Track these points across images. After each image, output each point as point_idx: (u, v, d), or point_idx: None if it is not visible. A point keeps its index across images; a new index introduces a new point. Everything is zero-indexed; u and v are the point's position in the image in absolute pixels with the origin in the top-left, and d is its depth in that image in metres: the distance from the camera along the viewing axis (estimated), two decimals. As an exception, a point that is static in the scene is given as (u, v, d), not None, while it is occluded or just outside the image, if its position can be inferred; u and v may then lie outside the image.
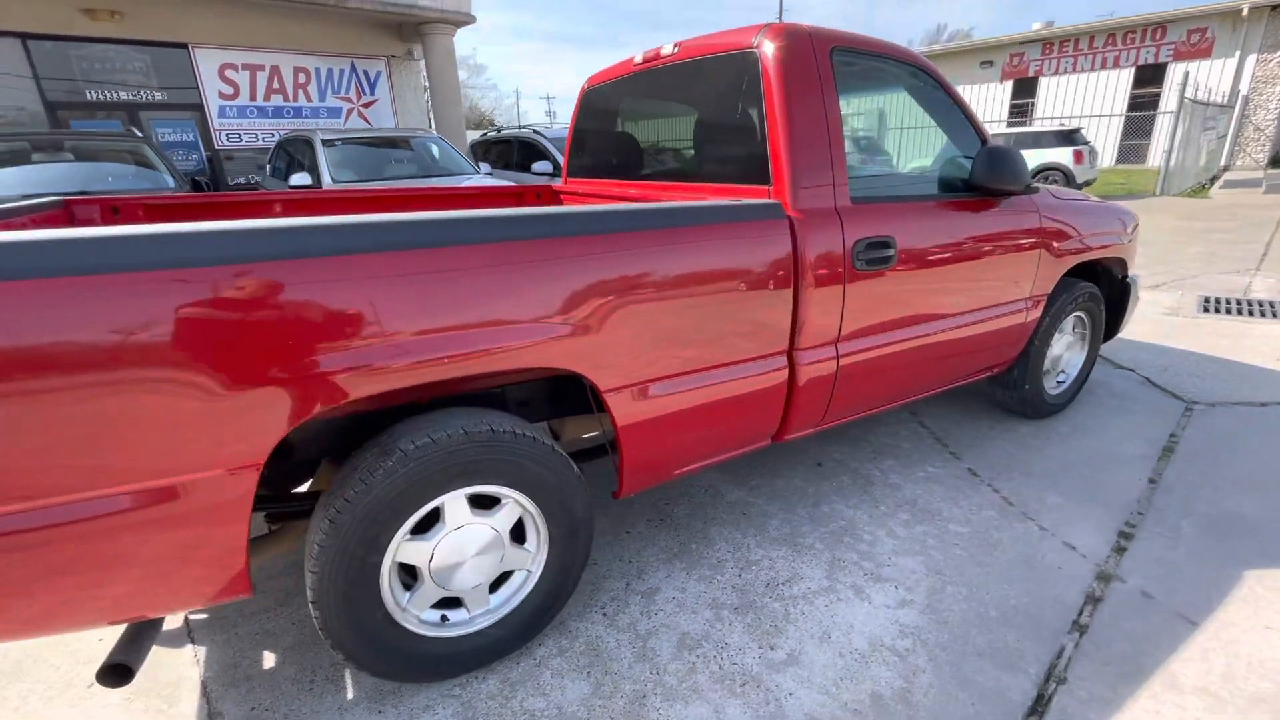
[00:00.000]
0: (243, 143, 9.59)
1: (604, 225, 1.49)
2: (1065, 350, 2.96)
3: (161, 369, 1.07)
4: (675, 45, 2.25)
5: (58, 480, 1.06)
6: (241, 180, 9.67)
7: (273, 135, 9.45)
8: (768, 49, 1.85)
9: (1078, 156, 11.28)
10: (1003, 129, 15.23)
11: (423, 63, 10.39)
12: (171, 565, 1.19)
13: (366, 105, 10.95)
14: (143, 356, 1.06)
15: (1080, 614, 1.78)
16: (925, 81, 2.24)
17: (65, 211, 2.22)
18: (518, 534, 1.64)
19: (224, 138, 9.62)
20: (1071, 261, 2.64)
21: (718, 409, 1.80)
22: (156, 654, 1.72)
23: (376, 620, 1.44)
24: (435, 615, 1.56)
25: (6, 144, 4.59)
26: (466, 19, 9.81)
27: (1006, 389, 2.87)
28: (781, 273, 1.77)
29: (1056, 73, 19.53)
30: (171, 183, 4.88)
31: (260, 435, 1.18)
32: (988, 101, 21.04)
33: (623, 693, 1.56)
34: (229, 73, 9.52)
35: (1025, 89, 20.40)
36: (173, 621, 1.84)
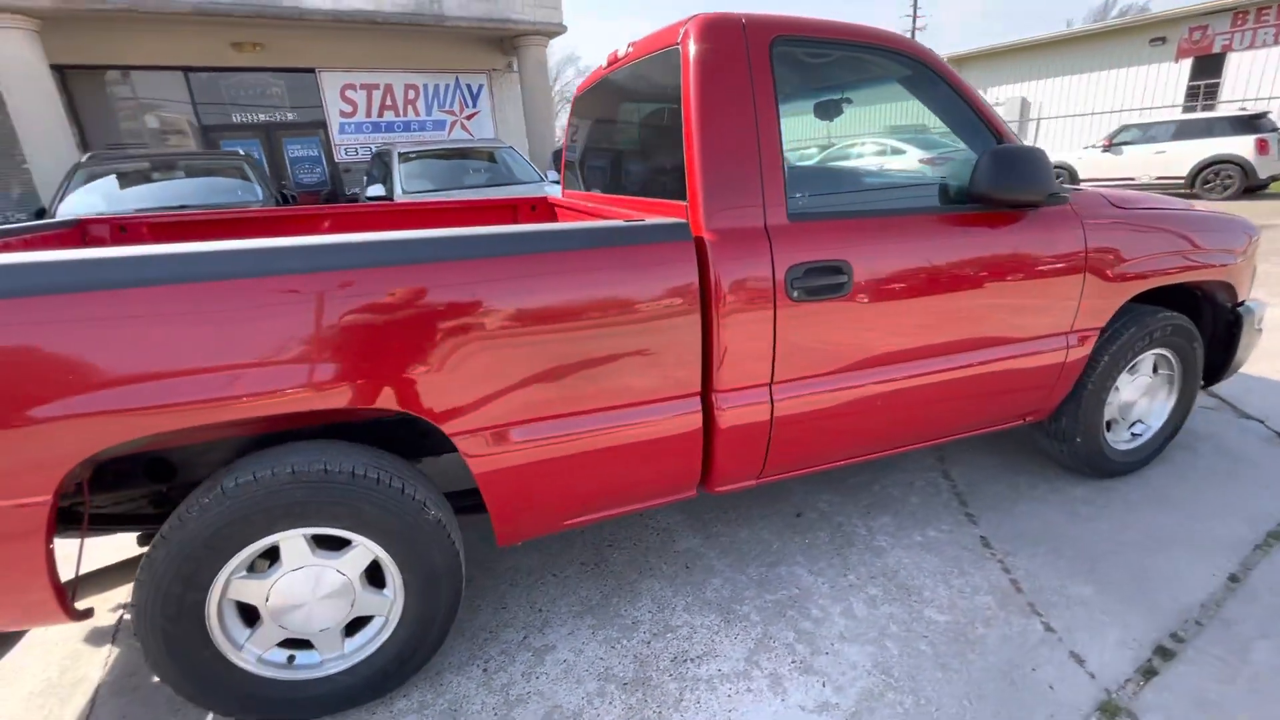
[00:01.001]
0: (358, 156, 10.50)
1: (412, 254, 1.33)
2: (1141, 396, 2.37)
3: None
4: (630, 44, 2.05)
5: None
6: (356, 191, 10.58)
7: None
8: (689, 45, 1.60)
9: (1262, 146, 9.34)
10: (1174, 114, 13.05)
11: (509, 76, 10.79)
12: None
13: (469, 117, 11.57)
14: None
15: (1055, 760, 1.36)
16: (919, 71, 1.86)
17: (78, 229, 2.45)
18: (377, 577, 1.54)
19: (343, 152, 10.59)
20: (1138, 287, 2.09)
21: (610, 456, 1.59)
22: (79, 651, 1.82)
23: (204, 658, 1.39)
24: (281, 656, 1.50)
25: (133, 164, 5.32)
26: (558, 29, 10.04)
27: (1054, 440, 2.35)
28: (684, 304, 1.52)
29: (1251, 46, 16.39)
30: (261, 195, 5.40)
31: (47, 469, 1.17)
32: (1157, 85, 18.14)
33: (457, 769, 1.41)
34: (349, 92, 10.47)
35: (1207, 68, 17.33)
36: (108, 620, 1.94)
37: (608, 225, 1.49)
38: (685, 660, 1.68)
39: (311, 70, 10.09)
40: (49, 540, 1.23)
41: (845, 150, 6.80)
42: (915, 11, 34.91)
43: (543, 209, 3.05)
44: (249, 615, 1.47)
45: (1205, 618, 1.72)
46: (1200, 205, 2.50)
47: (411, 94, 11.00)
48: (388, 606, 1.54)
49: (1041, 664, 1.60)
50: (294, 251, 1.25)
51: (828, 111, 2.27)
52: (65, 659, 1.78)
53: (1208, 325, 2.50)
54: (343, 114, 10.49)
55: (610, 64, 2.20)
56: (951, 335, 1.85)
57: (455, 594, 1.57)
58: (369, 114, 10.68)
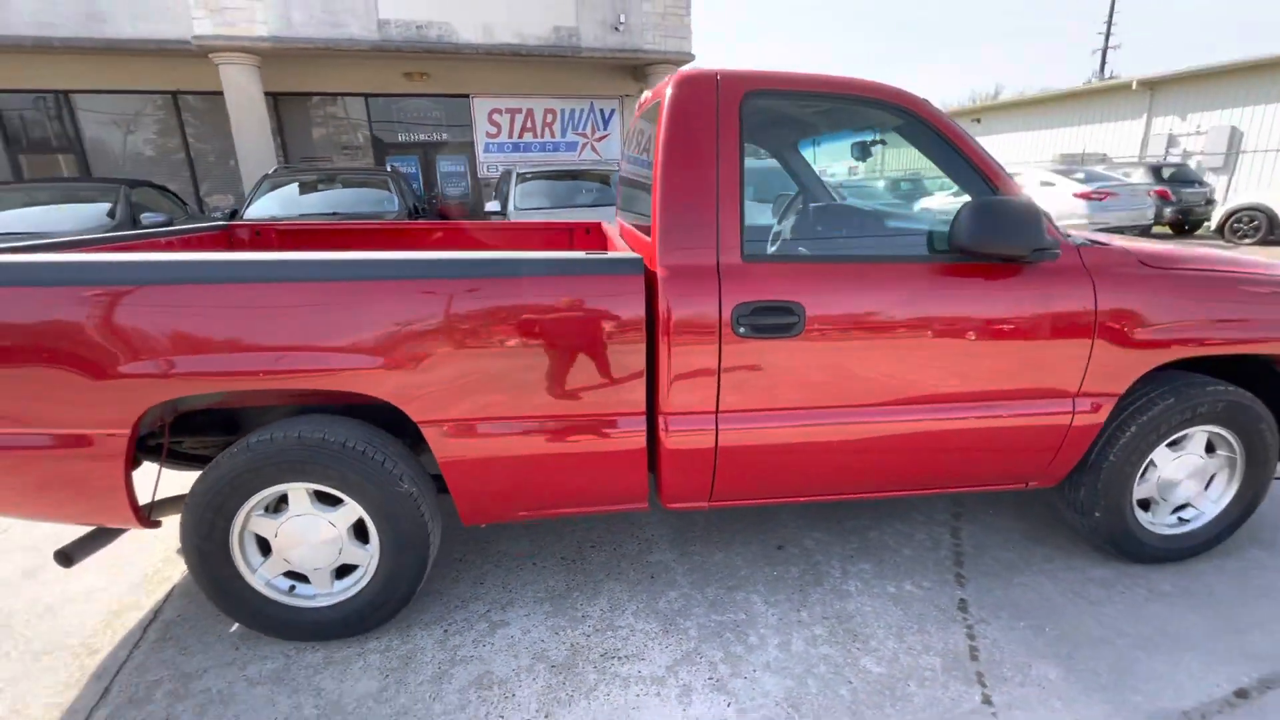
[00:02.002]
0: (495, 173, 11.61)
1: (423, 270, 1.63)
2: (1189, 477, 2.11)
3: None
4: (647, 91, 2.25)
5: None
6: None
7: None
8: (666, 97, 1.78)
9: None
10: None
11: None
12: (74, 487, 1.68)
13: (599, 139, 12.33)
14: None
15: (927, 823, 1.34)
16: (907, 120, 1.87)
17: (226, 233, 3.12)
18: (363, 533, 1.86)
19: (485, 169, 11.76)
20: (1164, 356, 1.90)
21: (557, 462, 1.78)
22: (170, 558, 2.34)
23: (226, 574, 1.79)
24: (285, 584, 1.87)
25: (304, 177, 6.43)
26: (687, 58, 10.43)
27: (1074, 512, 2.17)
28: (632, 331, 1.69)
29: None
30: (397, 205, 6.27)
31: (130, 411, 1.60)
32: None
33: (393, 704, 1.67)
34: (495, 115, 11.63)
35: None
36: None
37: (570, 256, 1.70)
38: (613, 657, 1.82)
39: (466, 96, 11.36)
40: (129, 463, 1.67)
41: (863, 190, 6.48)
42: (1109, 30, 31.35)
43: (596, 234, 3.32)
44: (264, 547, 1.85)
45: (1168, 713, 1.55)
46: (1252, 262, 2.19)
47: (549, 117, 11.96)
48: (368, 559, 1.85)
49: (962, 733, 1.55)
50: (310, 265, 1.61)
51: (864, 153, 2.33)
52: (160, 562, 2.31)
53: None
54: (488, 135, 11.67)
55: (639, 107, 2.42)
56: (919, 387, 1.83)
57: (421, 560, 1.85)
58: (510, 135, 11.78)
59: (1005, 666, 1.76)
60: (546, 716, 1.62)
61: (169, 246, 2.66)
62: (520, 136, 11.85)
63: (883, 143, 2.26)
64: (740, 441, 1.81)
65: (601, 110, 12.21)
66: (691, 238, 1.72)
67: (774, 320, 1.72)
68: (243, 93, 8.66)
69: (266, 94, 9.16)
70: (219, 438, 2.08)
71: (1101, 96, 19.45)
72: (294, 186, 6.47)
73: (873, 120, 1.98)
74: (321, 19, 8.58)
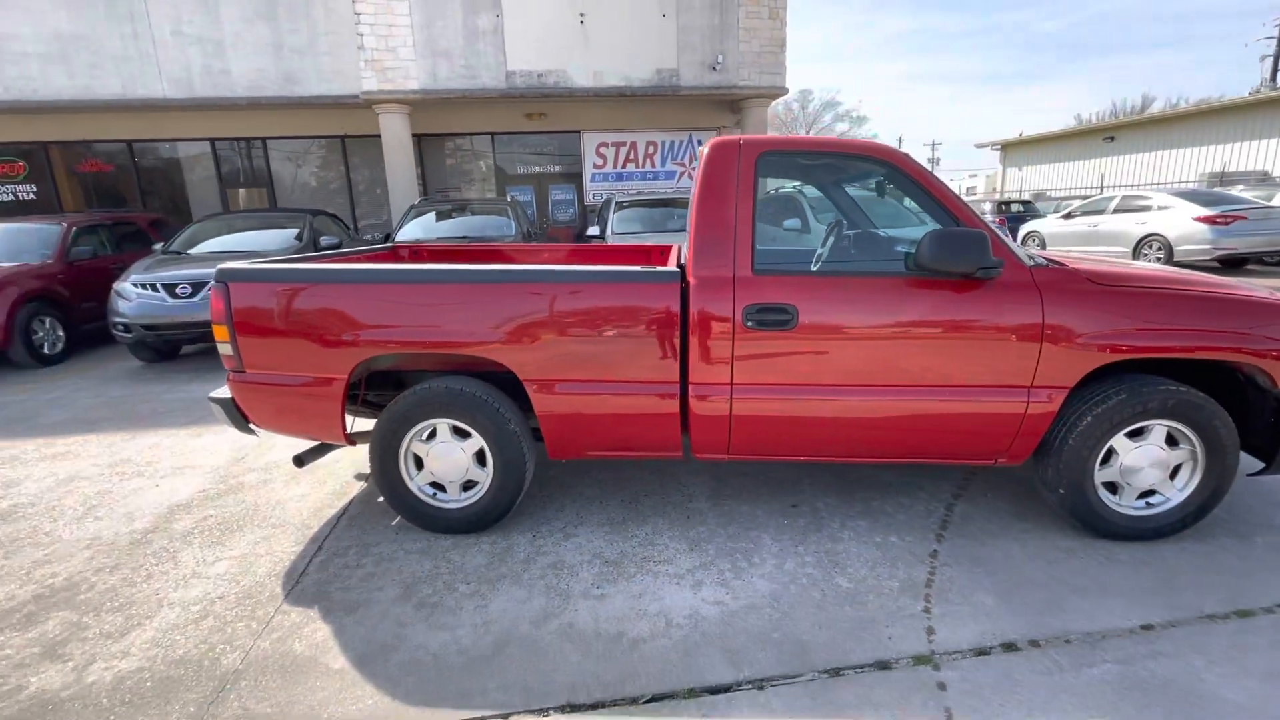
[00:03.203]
0: (599, 200, 12.74)
1: (528, 277, 2.43)
2: (1152, 466, 2.45)
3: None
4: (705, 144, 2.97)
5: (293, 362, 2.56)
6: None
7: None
8: (704, 155, 2.49)
9: None
10: None
11: (737, 131, 12.02)
12: (313, 415, 2.61)
13: (696, 169, 13.14)
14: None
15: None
16: (890, 171, 2.45)
17: (392, 252, 4.17)
18: (482, 459, 2.68)
19: (590, 197, 12.94)
20: (1105, 357, 2.31)
21: (615, 416, 2.51)
22: (363, 470, 3.30)
23: (396, 482, 2.66)
24: (431, 490, 2.72)
25: (440, 207, 7.73)
26: (781, 91, 11.03)
27: (1045, 489, 2.57)
28: (670, 322, 2.39)
29: None
30: (513, 230, 7.37)
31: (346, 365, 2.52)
32: None
33: (496, 571, 2.44)
34: (602, 149, 12.81)
35: None
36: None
37: (629, 269, 2.44)
38: (649, 560, 2.49)
39: (577, 132, 12.63)
40: (343, 402, 2.59)
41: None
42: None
43: (666, 254, 4.05)
44: (419, 464, 2.71)
45: (1080, 641, 1.97)
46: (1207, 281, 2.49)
47: (651, 149, 12.98)
48: (485, 477, 2.66)
49: (898, 625, 2.07)
50: (458, 273, 2.46)
51: (881, 190, 2.90)
52: (344, 483, 3.28)
53: (1260, 408, 2.45)
54: (595, 166, 12.86)
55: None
56: (891, 374, 2.37)
57: (519, 482, 2.62)
58: (614, 165, 12.90)
59: (952, 593, 2.24)
60: (597, 586, 2.33)
61: (358, 260, 3.70)
62: (623, 167, 12.94)
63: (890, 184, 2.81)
64: (748, 410, 2.44)
65: (699, 141, 13.05)
66: (715, 257, 2.40)
67: (774, 317, 2.36)
68: (395, 135, 10.34)
69: (413, 135, 10.84)
70: (393, 392, 3.01)
71: (1265, 109, 17.69)
72: (433, 214, 7.78)
73: (863, 169, 2.56)
74: (461, 73, 10.10)
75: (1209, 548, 2.48)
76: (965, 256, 2.23)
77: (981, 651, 1.94)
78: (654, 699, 1.79)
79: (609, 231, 7.51)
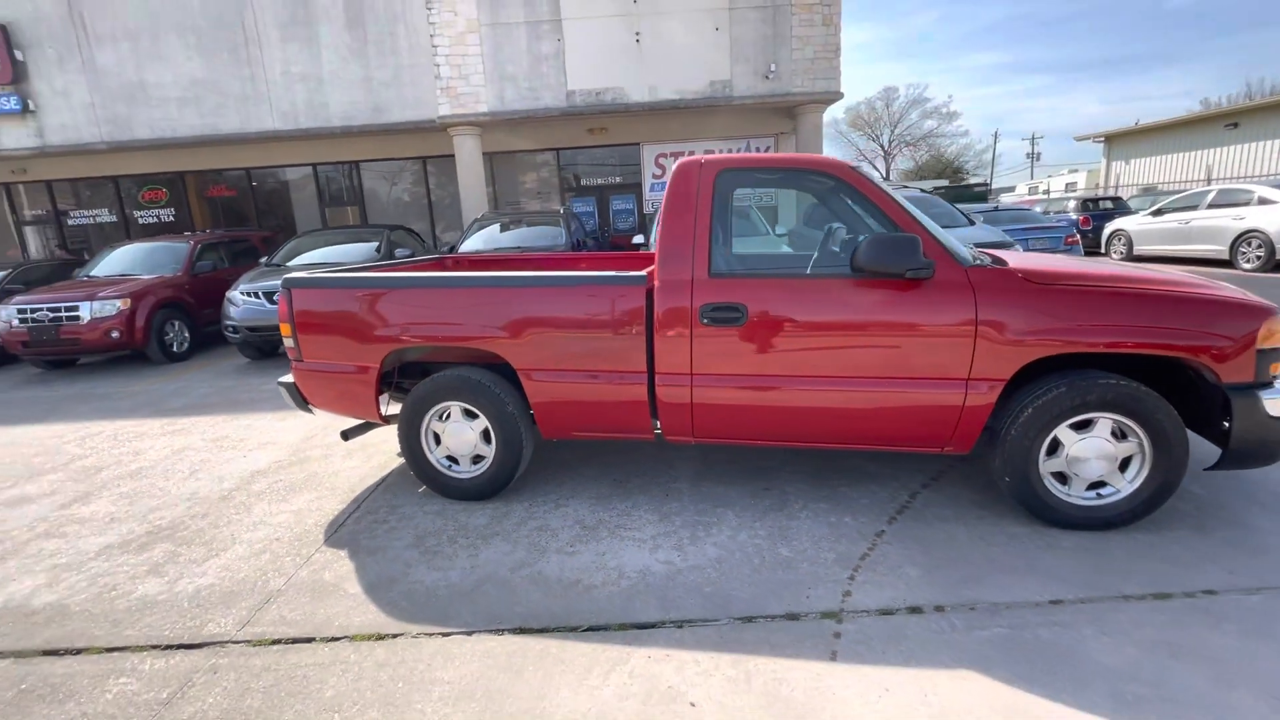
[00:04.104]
0: (655, 209, 13.17)
1: (520, 282, 2.88)
2: (1099, 458, 2.54)
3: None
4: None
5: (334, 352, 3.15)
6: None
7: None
8: (670, 175, 2.84)
9: None
10: None
11: (793, 137, 12.09)
12: (353, 396, 3.18)
13: (753, 174, 13.32)
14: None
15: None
16: (837, 183, 2.70)
17: (439, 261, 4.76)
18: (488, 437, 3.14)
19: (649, 206, 13.40)
20: (1039, 351, 2.45)
21: (596, 402, 2.90)
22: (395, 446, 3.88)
23: (418, 454, 3.18)
24: (446, 463, 3.22)
25: (499, 220, 8.43)
26: (835, 96, 11.02)
27: (996, 477, 2.71)
28: (639, 319, 2.76)
29: None
30: (564, 240, 7.93)
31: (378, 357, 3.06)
32: None
33: (493, 529, 2.89)
34: (660, 159, 13.24)
35: None
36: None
37: (604, 273, 2.83)
38: (621, 528, 2.86)
39: (636, 144, 13.14)
40: (378, 386, 3.14)
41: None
42: None
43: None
44: (437, 440, 3.22)
45: (983, 609, 2.15)
46: (1217, 285, 2.53)
47: (708, 157, 13.27)
48: (490, 452, 3.12)
49: (820, 588, 2.32)
50: (463, 279, 2.94)
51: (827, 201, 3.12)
52: (387, 458, 3.86)
53: (1211, 403, 2.49)
54: (654, 176, 13.31)
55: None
56: (834, 367, 2.62)
57: (517, 458, 3.06)
58: (672, 175, 13.29)
59: (881, 565, 2.45)
60: (571, 545, 2.72)
61: (410, 270, 4.31)
62: (681, 176, 13.30)
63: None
64: (706, 398, 2.76)
65: (757, 148, 13.21)
66: (677, 263, 2.75)
67: (726, 315, 2.67)
68: (467, 155, 11.25)
69: (484, 154, 11.74)
70: (420, 380, 3.55)
71: None
72: (494, 227, 8.49)
73: (814, 182, 2.82)
74: (525, 95, 10.86)
75: (1161, 539, 2.54)
76: (897, 259, 2.45)
77: (886, 612, 2.17)
78: (590, 629, 2.17)
79: (653, 240, 7.90)
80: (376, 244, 8.34)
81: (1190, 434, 2.55)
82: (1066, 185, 36.00)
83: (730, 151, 13.22)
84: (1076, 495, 2.61)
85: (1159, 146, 24.85)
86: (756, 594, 2.31)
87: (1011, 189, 43.85)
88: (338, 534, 2.95)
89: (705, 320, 2.69)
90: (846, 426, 2.71)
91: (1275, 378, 2.44)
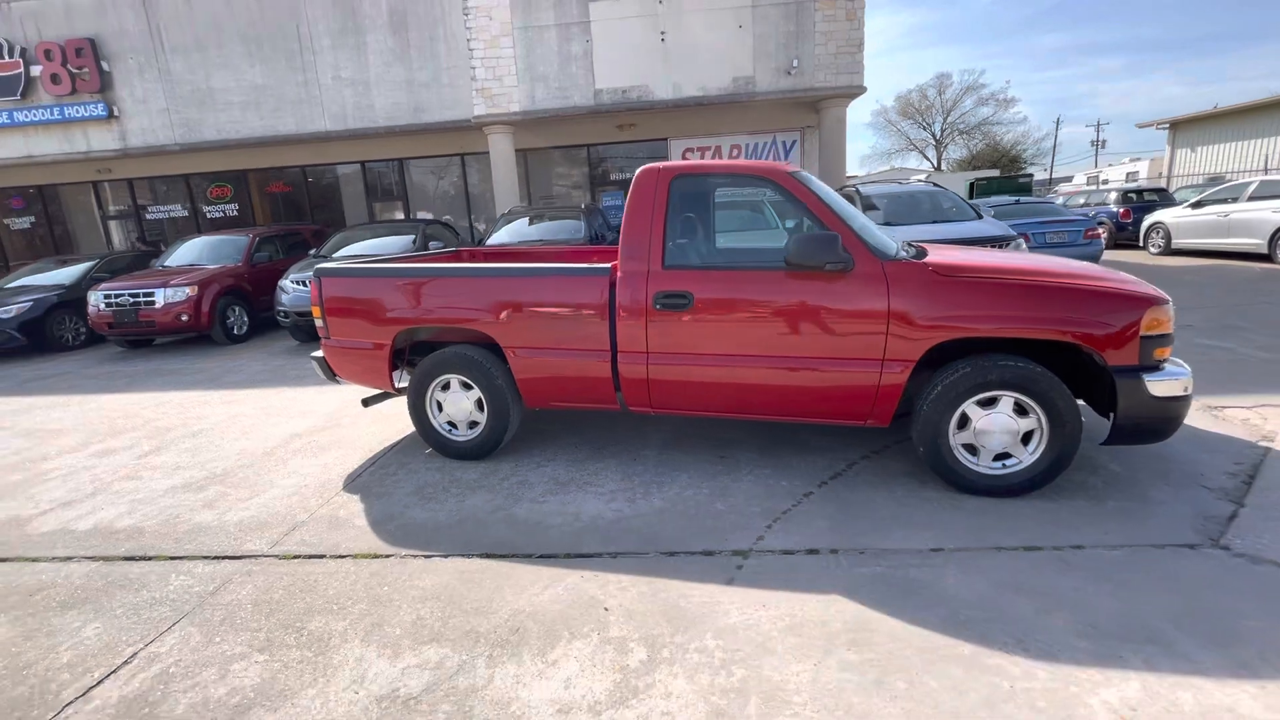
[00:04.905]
0: (683, 202, 13.50)
1: (506, 273, 3.37)
2: (1003, 431, 2.85)
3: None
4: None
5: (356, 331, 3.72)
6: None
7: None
8: (634, 179, 3.27)
9: None
10: None
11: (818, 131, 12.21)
12: (370, 369, 3.75)
13: (779, 168, 13.51)
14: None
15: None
16: (777, 189, 3.07)
17: (456, 254, 5.31)
18: (480, 405, 3.66)
19: (676, 199, 13.74)
20: (942, 335, 2.78)
21: (570, 377, 3.37)
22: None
23: (424, 419, 3.73)
24: (447, 427, 3.75)
25: (525, 214, 8.98)
26: (857, 91, 11.11)
27: (916, 449, 3.05)
28: (602, 306, 3.21)
29: None
30: (583, 233, 8.41)
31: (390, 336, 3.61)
32: None
33: (481, 483, 3.41)
34: (688, 154, 13.56)
35: None
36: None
37: (575, 266, 3.29)
38: (588, 484, 3.33)
39: (664, 139, 13.51)
40: (391, 361, 3.69)
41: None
42: None
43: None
44: (440, 407, 3.75)
45: (871, 553, 2.52)
46: (1105, 275, 2.81)
47: (735, 152, 13.52)
48: (483, 419, 3.64)
49: (739, 533, 2.73)
50: (455, 269, 3.45)
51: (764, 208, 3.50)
52: (404, 426, 4.44)
53: (1107, 386, 2.77)
54: (681, 170, 13.64)
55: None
56: (763, 344, 3.01)
57: (505, 424, 3.57)
58: (699, 169, 13.59)
59: (798, 518, 2.84)
60: (542, 496, 3.21)
61: (430, 261, 4.88)
62: (708, 170, 13.59)
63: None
64: (660, 375, 3.19)
65: (784, 142, 13.38)
66: (636, 256, 3.18)
67: (676, 301, 3.09)
68: (501, 152, 11.86)
69: (517, 151, 12.34)
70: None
71: None
72: (521, 221, 9.06)
73: (757, 186, 3.19)
74: (555, 94, 11.38)
75: (1057, 505, 2.83)
76: (818, 254, 2.82)
77: (788, 552, 2.57)
78: (542, 556, 2.65)
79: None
80: (413, 237, 9.02)
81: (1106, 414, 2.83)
82: (1127, 175, 34.25)
83: (756, 146, 13.45)
84: (984, 465, 2.93)
85: (1228, 133, 23.52)
86: (684, 536, 2.74)
87: (1069, 179, 41.96)
88: (355, 482, 3.52)
89: (658, 306, 3.12)
90: (780, 400, 3.10)
91: (1161, 361, 2.71)
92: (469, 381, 3.59)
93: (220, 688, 1.95)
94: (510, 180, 12.00)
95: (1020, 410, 2.84)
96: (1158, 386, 2.66)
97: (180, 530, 3.07)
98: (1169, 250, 11.60)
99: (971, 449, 2.94)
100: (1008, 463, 2.91)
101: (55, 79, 12.10)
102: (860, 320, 2.88)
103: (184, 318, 7.89)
